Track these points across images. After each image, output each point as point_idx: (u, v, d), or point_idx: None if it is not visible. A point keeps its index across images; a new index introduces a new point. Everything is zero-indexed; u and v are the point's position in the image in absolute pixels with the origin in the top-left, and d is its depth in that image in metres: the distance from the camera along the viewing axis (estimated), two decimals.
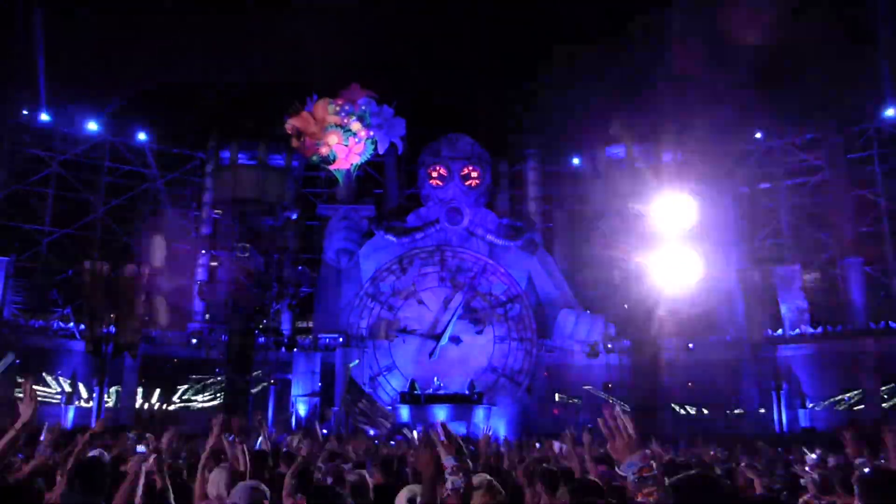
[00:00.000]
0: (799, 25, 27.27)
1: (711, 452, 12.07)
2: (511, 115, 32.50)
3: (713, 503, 2.84)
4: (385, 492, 5.44)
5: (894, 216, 29.25)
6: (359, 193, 32.41)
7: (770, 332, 27.76)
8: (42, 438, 6.17)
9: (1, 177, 28.86)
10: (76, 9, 29.16)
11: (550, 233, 34.41)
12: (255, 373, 28.51)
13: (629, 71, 29.01)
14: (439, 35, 32.00)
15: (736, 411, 28.41)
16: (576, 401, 29.96)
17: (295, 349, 29.37)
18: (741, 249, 31.61)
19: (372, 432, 22.81)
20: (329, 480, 5.70)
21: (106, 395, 26.50)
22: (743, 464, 8.10)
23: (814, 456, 10.58)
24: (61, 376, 27.05)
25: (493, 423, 26.75)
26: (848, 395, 26.98)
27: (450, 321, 29.78)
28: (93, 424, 20.74)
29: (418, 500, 3.96)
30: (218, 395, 29.22)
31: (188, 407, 29.58)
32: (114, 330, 26.39)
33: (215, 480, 5.02)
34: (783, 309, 28.20)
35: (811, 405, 27.57)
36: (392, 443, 16.81)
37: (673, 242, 25.84)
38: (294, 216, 31.95)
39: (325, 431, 19.80)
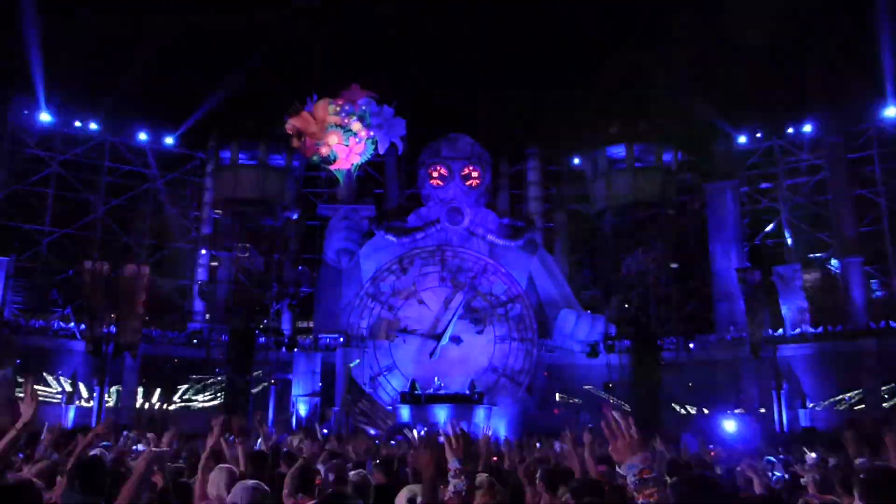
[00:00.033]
0: (800, 25, 27.29)
1: (712, 453, 12.08)
2: (511, 115, 32.48)
3: (713, 503, 2.84)
4: (385, 492, 5.44)
5: (894, 216, 29.25)
6: (359, 193, 32.38)
7: (770, 331, 27.75)
8: (43, 438, 6.18)
9: (1, 177, 28.86)
10: (76, 8, 29.14)
11: (551, 233, 34.42)
12: (255, 373, 28.51)
13: (632, 69, 28.98)
14: (439, 35, 31.98)
15: (736, 411, 28.39)
16: (576, 401, 30.00)
17: (295, 349, 29.37)
18: (741, 249, 31.67)
19: (372, 432, 22.81)
20: (331, 478, 5.69)
21: (106, 395, 26.50)
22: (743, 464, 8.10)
23: (814, 456, 10.59)
24: (62, 376, 27.07)
25: (493, 423, 26.79)
26: (848, 395, 26.97)
27: (450, 321, 29.77)
28: (93, 424, 20.78)
29: (418, 500, 3.96)
30: (218, 395, 29.21)
31: (188, 407, 29.59)
32: (114, 330, 26.39)
33: (215, 481, 5.02)
34: (784, 309, 28.19)
35: (811, 405, 27.56)
36: (392, 443, 16.81)
37: None
38: (294, 216, 31.97)
39: (325, 431, 19.81)
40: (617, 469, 3.22)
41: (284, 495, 4.92)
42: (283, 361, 29.27)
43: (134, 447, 10.47)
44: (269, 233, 31.22)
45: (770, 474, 7.81)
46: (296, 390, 29.11)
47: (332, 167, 31.20)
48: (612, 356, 29.00)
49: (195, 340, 29.76)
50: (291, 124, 30.00)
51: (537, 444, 14.26)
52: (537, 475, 5.42)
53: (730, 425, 23.96)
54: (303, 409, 28.54)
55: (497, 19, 33.87)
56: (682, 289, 31.36)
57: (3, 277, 26.62)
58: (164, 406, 28.78)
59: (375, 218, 31.54)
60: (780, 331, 28.01)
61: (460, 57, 32.06)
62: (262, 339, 28.82)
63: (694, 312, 32.11)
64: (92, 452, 5.73)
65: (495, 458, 8.22)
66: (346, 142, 30.32)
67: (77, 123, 30.75)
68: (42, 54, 27.25)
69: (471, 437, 3.65)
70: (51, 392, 26.37)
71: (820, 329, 27.68)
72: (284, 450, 8.08)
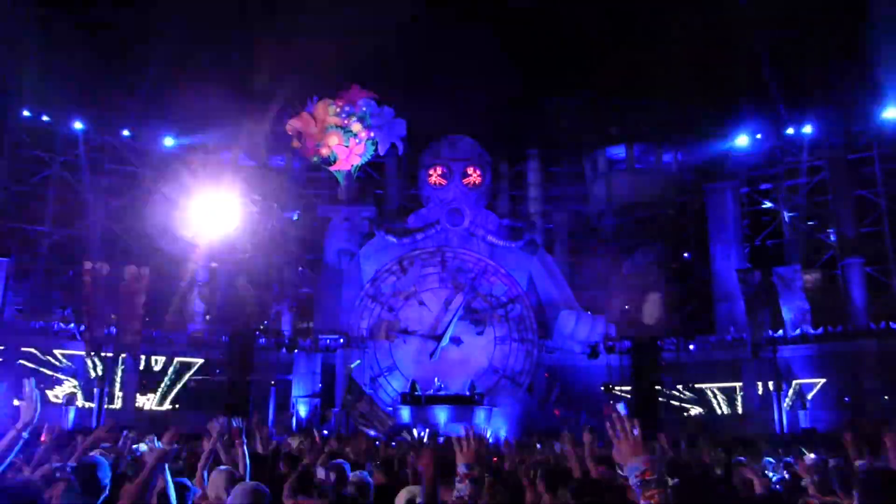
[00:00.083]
0: (799, 25, 27.29)
1: (711, 453, 12.06)
2: (511, 115, 32.50)
3: (713, 503, 2.84)
4: (385, 492, 5.44)
5: (894, 216, 29.24)
6: (359, 194, 32.40)
7: (771, 332, 27.72)
8: (42, 439, 6.17)
9: (1, 177, 28.85)
10: (77, 8, 29.14)
11: (551, 233, 34.42)
12: (255, 374, 28.46)
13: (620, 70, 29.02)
14: (440, 35, 31.97)
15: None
16: (577, 402, 29.89)
17: (295, 350, 29.33)
18: (741, 249, 31.66)
19: (372, 433, 22.79)
20: (332, 478, 5.69)
21: (106, 396, 26.47)
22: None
23: (813, 456, 10.57)
24: (62, 377, 27.02)
25: (494, 423, 26.82)
26: (848, 396, 26.93)
27: (450, 322, 29.78)
28: (93, 426, 20.77)
29: (418, 500, 3.96)
30: (218, 396, 29.14)
31: (188, 408, 29.50)
32: (114, 331, 26.39)
33: (215, 482, 5.01)
34: (784, 310, 28.17)
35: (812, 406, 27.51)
36: (393, 444, 16.79)
37: None
38: (294, 217, 31.96)
39: (325, 432, 19.79)
40: (618, 471, 3.22)
41: (284, 497, 4.92)
42: (283, 362, 29.23)
43: (134, 447, 10.45)
44: (270, 233, 31.20)
45: (770, 475, 7.81)
46: (296, 391, 29.06)
47: (332, 168, 31.32)
48: (613, 357, 28.99)
49: (195, 341, 29.71)
50: (292, 125, 30.10)
51: (538, 445, 14.24)
52: (537, 476, 5.41)
53: None
54: (303, 411, 28.50)
55: (497, 19, 33.91)
56: (682, 289, 31.36)
57: (3, 278, 26.59)
58: (164, 407, 28.74)
59: (376, 219, 31.57)
60: (781, 332, 27.99)
61: (460, 57, 32.05)
62: (263, 341, 28.80)
63: (694, 313, 32.11)
64: (92, 454, 5.73)
65: (495, 459, 8.22)
66: (347, 143, 30.42)
67: (78, 124, 30.73)
68: (43, 54, 27.24)
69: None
70: (51, 393, 26.35)
71: (820, 330, 27.65)
72: (285, 451, 8.08)
